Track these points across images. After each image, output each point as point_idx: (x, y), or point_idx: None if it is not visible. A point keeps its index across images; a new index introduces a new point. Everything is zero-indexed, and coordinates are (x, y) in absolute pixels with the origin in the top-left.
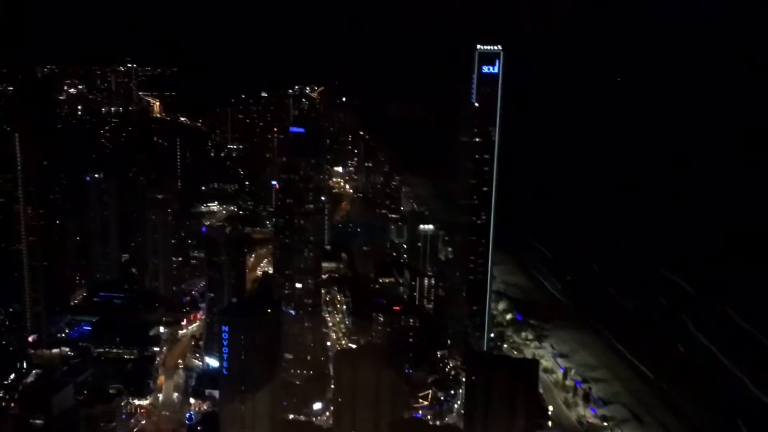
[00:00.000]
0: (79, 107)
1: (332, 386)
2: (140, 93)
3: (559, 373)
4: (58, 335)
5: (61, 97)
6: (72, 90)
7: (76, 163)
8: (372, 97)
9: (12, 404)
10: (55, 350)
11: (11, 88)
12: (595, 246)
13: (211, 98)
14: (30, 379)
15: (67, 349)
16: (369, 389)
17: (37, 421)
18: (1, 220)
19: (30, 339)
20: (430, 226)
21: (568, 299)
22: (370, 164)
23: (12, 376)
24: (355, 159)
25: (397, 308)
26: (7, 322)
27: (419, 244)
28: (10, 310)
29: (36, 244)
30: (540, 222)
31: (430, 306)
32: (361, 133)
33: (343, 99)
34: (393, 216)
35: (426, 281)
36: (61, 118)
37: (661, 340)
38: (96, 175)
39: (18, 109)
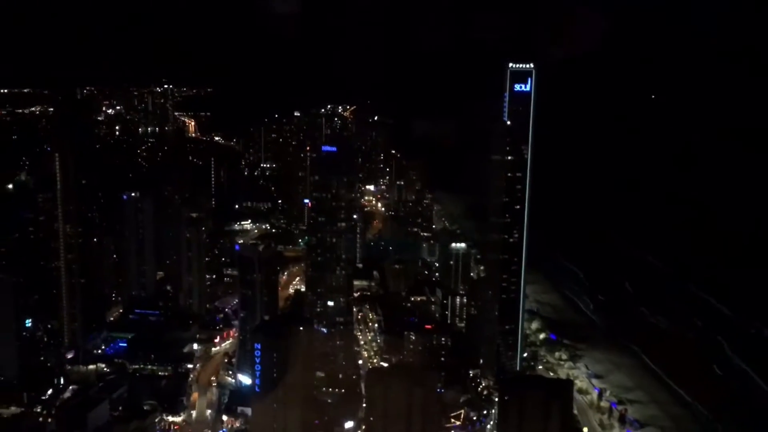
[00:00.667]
0: (117, 127)
1: (364, 405)
2: (176, 113)
3: (594, 394)
4: (95, 352)
5: (99, 118)
6: (110, 111)
7: (114, 182)
8: (404, 116)
9: (49, 419)
10: (91, 366)
11: (52, 109)
12: (628, 265)
13: (244, 118)
14: (67, 394)
15: (103, 366)
16: (401, 408)
17: None
18: (41, 238)
19: (67, 355)
20: (462, 245)
21: (601, 319)
22: (402, 182)
23: (49, 391)
24: (387, 177)
25: (429, 327)
26: (45, 339)
27: (451, 262)
28: (48, 326)
29: (74, 261)
30: (572, 241)
31: (462, 325)
32: (393, 151)
33: (375, 118)
34: (425, 234)
35: (458, 300)
36: (99, 138)
37: (697, 362)
38: (132, 194)
39: (58, 129)
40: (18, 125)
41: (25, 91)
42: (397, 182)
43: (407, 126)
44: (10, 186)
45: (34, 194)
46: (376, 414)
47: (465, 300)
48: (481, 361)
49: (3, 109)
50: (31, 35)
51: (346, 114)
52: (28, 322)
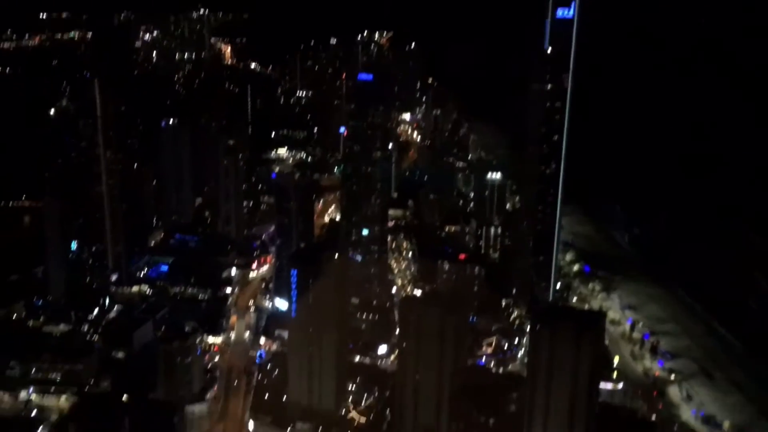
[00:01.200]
0: (154, 54)
1: (397, 332)
2: (212, 39)
3: (626, 326)
4: (137, 274)
5: (137, 44)
6: (147, 37)
7: (152, 109)
8: (441, 44)
9: (96, 338)
10: (134, 288)
11: (90, 35)
12: (666, 198)
13: (281, 45)
14: (112, 315)
15: (146, 288)
16: (433, 335)
17: (119, 355)
18: (83, 163)
19: (111, 277)
20: (498, 175)
21: (636, 251)
22: (438, 112)
23: (95, 311)
24: (423, 106)
25: (463, 257)
26: (91, 261)
27: (486, 193)
28: (93, 249)
29: (115, 186)
30: (610, 173)
31: (496, 255)
32: (430, 80)
33: (412, 45)
34: (460, 164)
35: (492, 230)
36: (137, 64)
37: (732, 296)
38: (170, 121)
39: (96, 54)
40: (58, 51)
41: (63, 15)
42: (434, 112)
43: (445, 54)
44: (52, 112)
45: (76, 120)
46: (408, 340)
47: (499, 231)
48: (514, 291)
49: (42, 34)
50: None
51: (383, 41)
52: (74, 245)
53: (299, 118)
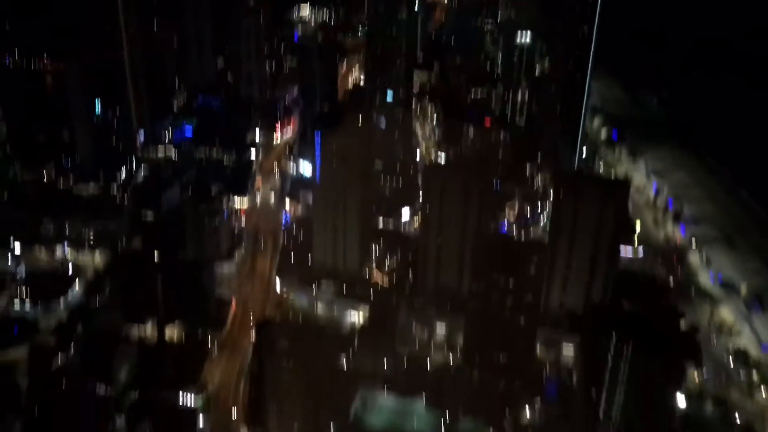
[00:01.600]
0: None
1: (420, 196)
2: None
3: (651, 193)
4: (163, 137)
5: None
6: None
7: None
8: None
9: (125, 200)
10: (160, 151)
11: None
12: (698, 59)
13: None
14: (140, 176)
15: (171, 151)
16: (456, 200)
17: (149, 216)
18: (106, 25)
19: (138, 139)
20: (528, 37)
21: (666, 115)
22: None
23: (123, 173)
24: None
25: (488, 121)
26: (115, 124)
27: (515, 56)
28: (117, 112)
29: (137, 49)
30: (642, 35)
31: (523, 120)
32: None
33: None
34: (489, 26)
35: (519, 95)
36: None
37: (762, 163)
38: None
39: None
40: None
41: None
42: None
43: None
44: None
45: None
46: (431, 205)
47: (527, 95)
48: (540, 157)
49: None
50: None
51: None
52: (98, 107)
53: None
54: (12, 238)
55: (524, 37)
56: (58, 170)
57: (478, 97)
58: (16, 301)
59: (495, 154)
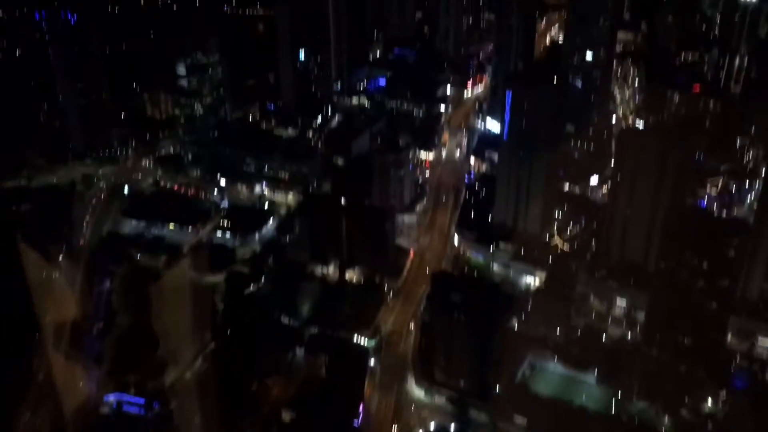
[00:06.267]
0: None
1: (612, 163)
2: None
3: None
4: (357, 87)
5: None
6: None
7: None
8: None
9: (319, 144)
10: (354, 100)
11: None
12: None
13: None
14: (333, 123)
15: (365, 100)
16: (651, 169)
17: (339, 161)
18: None
19: (334, 87)
20: None
21: None
22: None
23: (319, 119)
24: None
25: (698, 88)
26: (316, 71)
27: (737, 16)
28: (318, 60)
29: None
30: None
31: (738, 88)
32: None
33: None
34: None
35: (737, 60)
36: None
37: None
38: None
39: None
40: None
41: None
42: None
43: None
44: None
45: None
46: (624, 173)
47: (746, 61)
48: (753, 129)
49: None
50: None
51: None
52: (302, 54)
53: None
54: (219, 173)
55: None
56: (262, 112)
57: (689, 60)
58: (219, 231)
59: (701, 123)
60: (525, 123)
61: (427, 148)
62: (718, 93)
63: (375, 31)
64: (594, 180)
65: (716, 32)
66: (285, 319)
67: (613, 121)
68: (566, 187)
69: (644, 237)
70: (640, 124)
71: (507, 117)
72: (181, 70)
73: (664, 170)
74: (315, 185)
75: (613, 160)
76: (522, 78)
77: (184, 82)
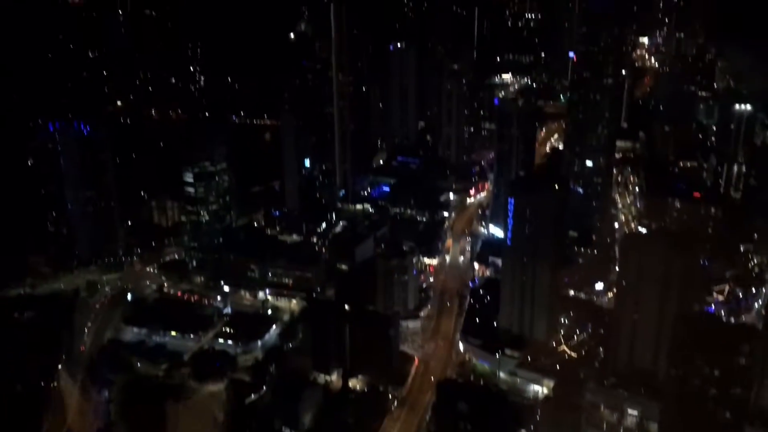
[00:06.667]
0: None
1: (617, 269)
2: None
3: None
4: (361, 193)
5: None
6: None
7: (381, 33)
8: None
9: (323, 250)
10: (358, 206)
11: None
12: None
13: None
14: (338, 229)
15: (368, 207)
16: (657, 276)
17: (343, 266)
18: (317, 84)
19: (339, 194)
20: (748, 106)
21: None
22: (682, 35)
23: (324, 225)
24: (665, 28)
25: (698, 194)
26: (321, 178)
27: (732, 125)
28: (323, 167)
29: (345, 108)
30: None
31: (738, 195)
32: None
33: None
34: (703, 93)
35: (735, 167)
36: None
37: None
38: (398, 45)
39: None
40: None
41: None
42: (677, 34)
43: None
44: (291, 35)
45: (312, 43)
46: (629, 279)
47: (744, 168)
48: (756, 236)
49: None
50: None
51: None
52: (307, 162)
53: (526, 42)
54: (223, 279)
55: (743, 106)
56: (267, 218)
57: (687, 167)
58: (221, 338)
59: (703, 229)
60: (528, 229)
61: (431, 254)
62: (718, 200)
63: (379, 140)
64: (599, 286)
65: (713, 140)
66: (286, 430)
67: (616, 227)
68: (571, 292)
69: (653, 344)
70: (642, 230)
71: (510, 223)
72: (189, 177)
73: (670, 276)
74: (319, 291)
75: (617, 265)
76: (524, 185)
77: (190, 190)
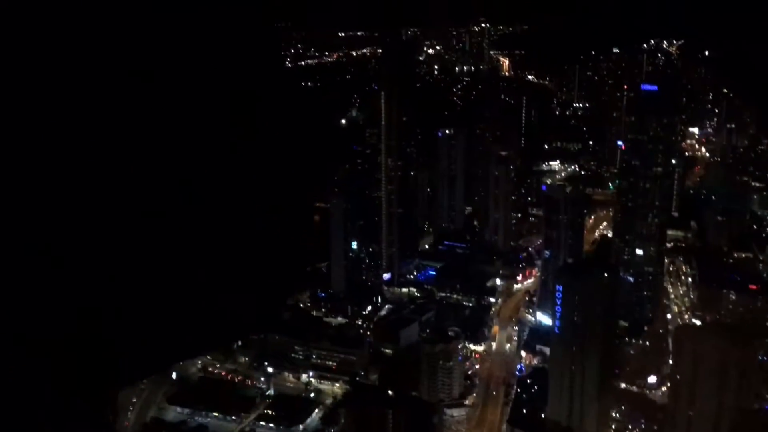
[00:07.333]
0: (435, 67)
1: (670, 361)
2: (491, 52)
3: None
4: (407, 276)
5: (420, 58)
6: (430, 51)
7: (430, 119)
8: (741, 50)
9: (368, 333)
10: (404, 289)
11: (380, 51)
12: None
13: (560, 56)
14: (383, 312)
15: (414, 290)
16: (714, 370)
17: (387, 350)
18: (367, 169)
19: (384, 277)
20: None
21: None
22: (733, 125)
23: (368, 308)
24: (715, 119)
25: (754, 287)
26: (367, 261)
27: None
28: (370, 250)
29: (393, 192)
30: None
31: None
32: (725, 90)
33: (706, 53)
34: (756, 184)
35: None
36: (419, 77)
37: None
38: (446, 131)
39: (384, 69)
40: (351, 66)
41: (359, 34)
42: (727, 125)
43: (745, 61)
44: (343, 121)
45: (363, 129)
46: (683, 373)
47: None
48: None
49: (339, 51)
50: None
51: (672, 50)
52: (354, 245)
53: (574, 130)
54: (266, 359)
55: None
56: (312, 300)
57: (742, 258)
58: (263, 420)
59: (761, 322)
60: (577, 318)
61: (477, 340)
62: None
63: (426, 223)
64: (652, 379)
65: None
66: None
67: (668, 318)
68: (623, 385)
69: None
70: (697, 322)
71: (558, 311)
72: None
73: (727, 370)
74: (362, 374)
75: (671, 358)
76: (572, 272)
77: None
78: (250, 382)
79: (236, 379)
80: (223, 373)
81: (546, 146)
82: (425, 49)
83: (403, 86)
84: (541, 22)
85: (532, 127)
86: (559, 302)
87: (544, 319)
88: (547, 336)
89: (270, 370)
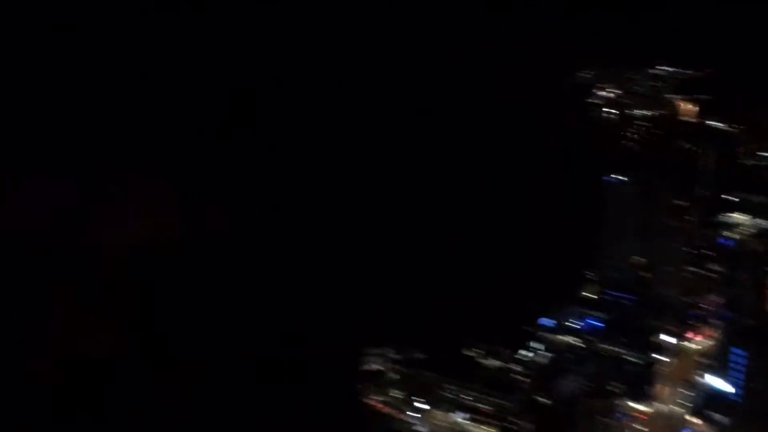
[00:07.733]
0: (611, 110)
1: None
2: (670, 96)
3: None
4: (568, 325)
5: (594, 101)
6: (603, 93)
7: (600, 164)
8: None
9: (523, 380)
10: (564, 338)
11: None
12: None
13: (748, 101)
14: (541, 359)
15: (575, 340)
16: None
17: (543, 400)
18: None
19: (544, 323)
20: None
21: None
22: None
23: (526, 355)
24: None
25: None
26: (528, 307)
27: None
28: (531, 296)
29: (553, 241)
30: None
31: None
32: None
33: None
34: None
35: None
36: (591, 120)
37: None
38: (618, 177)
39: (555, 113)
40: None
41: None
42: None
43: None
44: None
45: None
46: None
47: None
48: None
49: None
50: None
51: None
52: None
53: (761, 181)
54: (416, 395)
55: None
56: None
57: None
58: None
59: None
60: (764, 387)
61: (639, 399)
62: None
63: (591, 272)
64: None
65: None
66: None
67: None
68: None
69: None
70: None
71: (740, 378)
72: None
73: None
74: (513, 421)
75: None
76: (756, 336)
77: None
78: (400, 416)
79: (387, 411)
80: (374, 404)
81: (728, 197)
82: (598, 92)
83: (574, 130)
84: (729, 65)
85: (712, 176)
86: (742, 368)
87: (718, 384)
88: (723, 403)
89: (421, 405)
